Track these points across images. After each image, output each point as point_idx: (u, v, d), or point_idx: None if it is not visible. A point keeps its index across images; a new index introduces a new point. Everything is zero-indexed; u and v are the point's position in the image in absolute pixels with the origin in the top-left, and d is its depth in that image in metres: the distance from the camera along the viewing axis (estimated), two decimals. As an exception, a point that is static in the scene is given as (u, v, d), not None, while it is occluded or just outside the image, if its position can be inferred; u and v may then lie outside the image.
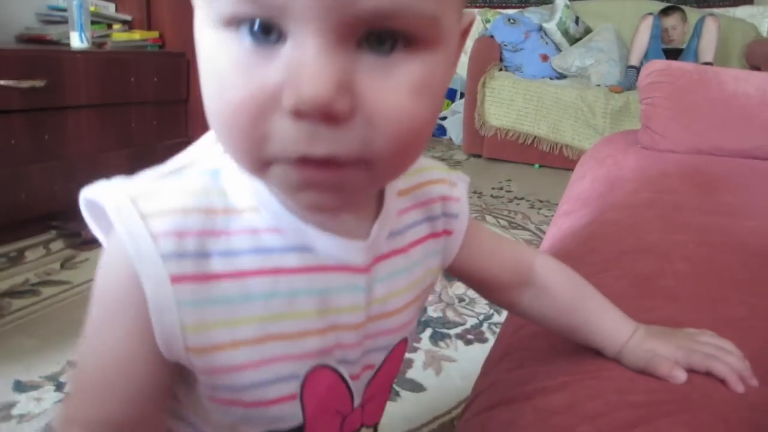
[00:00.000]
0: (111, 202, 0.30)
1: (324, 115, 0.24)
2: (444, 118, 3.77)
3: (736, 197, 0.83)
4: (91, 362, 0.31)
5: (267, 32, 0.24)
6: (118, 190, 0.30)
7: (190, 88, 2.19)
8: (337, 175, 0.26)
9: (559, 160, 2.98)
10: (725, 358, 0.41)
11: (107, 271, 0.31)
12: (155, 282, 0.29)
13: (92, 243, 1.72)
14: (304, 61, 0.24)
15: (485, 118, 3.10)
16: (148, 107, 2.05)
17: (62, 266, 1.58)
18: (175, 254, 0.29)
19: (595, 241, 0.69)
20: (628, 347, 0.44)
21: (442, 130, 3.84)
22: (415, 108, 0.26)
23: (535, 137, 3.00)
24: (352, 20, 0.23)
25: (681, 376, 0.40)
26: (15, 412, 1.00)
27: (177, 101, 2.17)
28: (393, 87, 0.25)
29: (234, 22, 0.25)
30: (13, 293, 1.41)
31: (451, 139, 3.76)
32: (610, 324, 0.45)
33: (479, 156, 3.28)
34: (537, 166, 3.10)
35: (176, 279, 0.29)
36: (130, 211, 0.29)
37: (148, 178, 0.32)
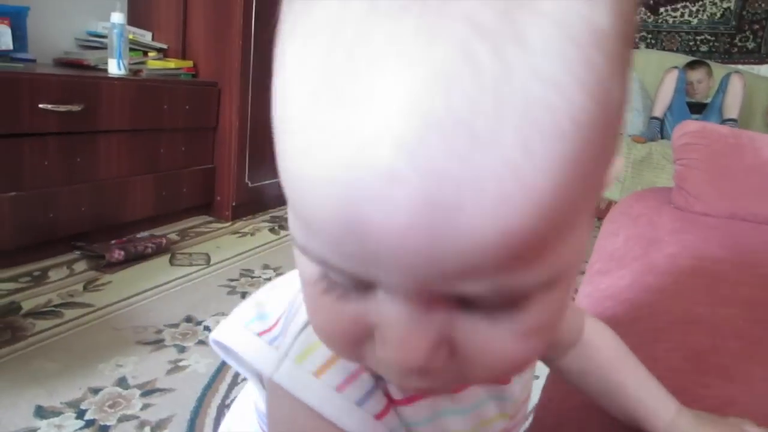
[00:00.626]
0: (282, 373, 0.29)
1: (415, 373, 0.22)
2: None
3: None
4: None
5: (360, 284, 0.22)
6: (277, 355, 0.30)
7: (219, 117, 2.23)
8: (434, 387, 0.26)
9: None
10: None
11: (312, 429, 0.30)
12: (366, 427, 0.29)
13: (115, 266, 1.73)
14: (394, 326, 0.21)
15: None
16: (178, 134, 2.08)
17: (85, 288, 1.59)
18: (363, 395, 0.29)
19: (641, 308, 0.69)
20: (677, 428, 0.42)
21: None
22: (523, 350, 0.23)
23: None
24: (442, 295, 0.20)
25: None
26: (36, 439, 1.00)
27: (206, 129, 2.21)
28: (497, 335, 0.22)
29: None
30: (36, 314, 1.42)
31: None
32: (651, 394, 0.44)
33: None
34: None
35: (379, 415, 0.29)
36: (303, 375, 0.29)
37: (292, 330, 0.30)
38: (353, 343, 0.24)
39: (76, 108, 1.67)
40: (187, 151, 2.13)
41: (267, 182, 2.47)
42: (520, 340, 0.22)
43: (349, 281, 0.22)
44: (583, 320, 0.47)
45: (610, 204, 2.65)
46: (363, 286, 0.21)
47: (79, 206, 1.76)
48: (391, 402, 0.30)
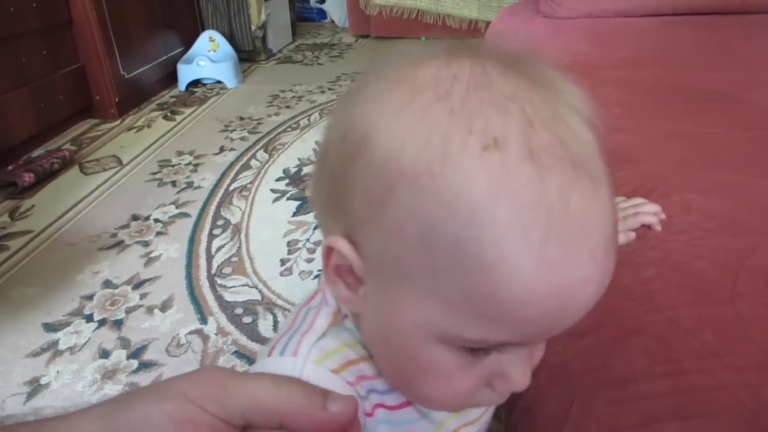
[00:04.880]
0: (306, 373, 0.32)
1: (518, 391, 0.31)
2: (323, 1, 3.74)
3: (629, 53, 1.08)
4: None
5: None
6: (297, 360, 0.33)
7: (71, 9, 2.04)
8: None
9: (443, 31, 3.15)
10: (644, 209, 0.55)
11: None
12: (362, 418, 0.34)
13: (29, 189, 1.69)
14: (519, 366, 0.30)
15: (368, -3, 3.16)
16: (34, 37, 1.90)
17: (12, 218, 1.57)
18: (365, 393, 0.35)
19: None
20: None
21: (322, 14, 3.82)
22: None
23: (419, 11, 3.13)
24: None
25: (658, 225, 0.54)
26: (62, 346, 1.11)
27: (60, 25, 2.03)
28: (541, 347, 0.33)
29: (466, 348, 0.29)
30: (-22, 252, 1.41)
31: (333, 22, 3.77)
32: None
33: (367, 36, 3.37)
34: (424, 39, 3.26)
35: (368, 414, 0.36)
36: (324, 371, 0.33)
37: (308, 341, 0.34)
38: (474, 393, 0.31)
39: None
40: (49, 54, 1.97)
41: (142, 69, 2.37)
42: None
43: (486, 352, 0.29)
44: None
45: (487, 24, 2.86)
46: (492, 351, 0.29)
47: (-38, 139, 1.64)
48: (383, 407, 0.36)
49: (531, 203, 0.24)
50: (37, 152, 1.91)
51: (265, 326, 1.13)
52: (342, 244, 0.30)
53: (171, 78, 2.57)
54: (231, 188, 1.68)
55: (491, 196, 0.24)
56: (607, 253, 0.26)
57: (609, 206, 0.26)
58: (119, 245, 1.43)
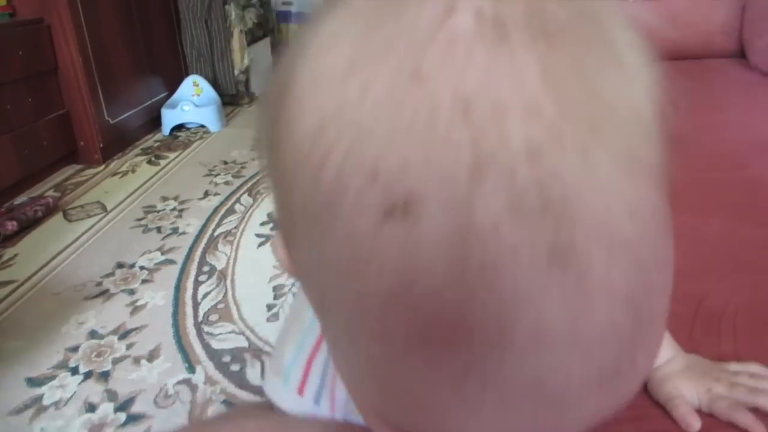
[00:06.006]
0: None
1: None
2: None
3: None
4: None
5: None
6: (345, 415, 0.33)
7: (57, 56, 2.07)
8: None
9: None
10: (756, 399, 0.38)
11: None
12: None
13: (11, 238, 1.68)
14: None
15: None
16: (19, 85, 1.92)
17: (-6, 267, 1.56)
18: None
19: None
20: (655, 375, 0.40)
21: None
22: None
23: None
24: None
25: (695, 424, 0.37)
26: (47, 401, 1.09)
27: (46, 72, 2.05)
28: None
29: None
30: (-40, 304, 1.39)
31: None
32: None
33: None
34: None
35: None
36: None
37: (340, 399, 0.33)
38: None
39: None
40: (34, 101, 1.99)
41: (127, 114, 2.39)
42: None
43: None
44: None
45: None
46: None
47: (-56, 188, 1.64)
48: None
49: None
50: (20, 199, 1.91)
51: (253, 374, 1.13)
52: (277, 246, 0.24)
53: (155, 122, 2.59)
54: (216, 233, 1.69)
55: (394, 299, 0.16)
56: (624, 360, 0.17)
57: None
58: (104, 294, 1.42)
